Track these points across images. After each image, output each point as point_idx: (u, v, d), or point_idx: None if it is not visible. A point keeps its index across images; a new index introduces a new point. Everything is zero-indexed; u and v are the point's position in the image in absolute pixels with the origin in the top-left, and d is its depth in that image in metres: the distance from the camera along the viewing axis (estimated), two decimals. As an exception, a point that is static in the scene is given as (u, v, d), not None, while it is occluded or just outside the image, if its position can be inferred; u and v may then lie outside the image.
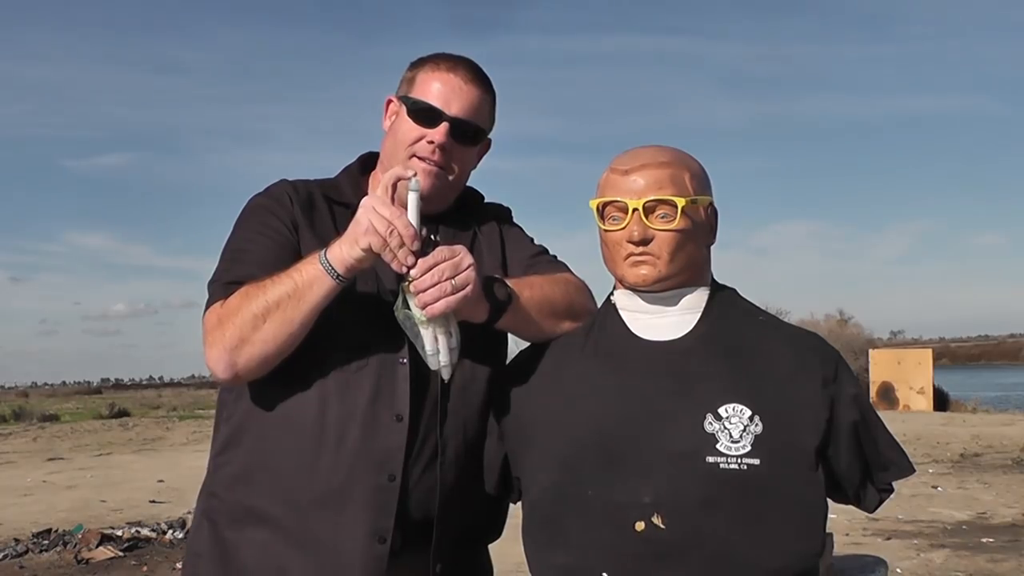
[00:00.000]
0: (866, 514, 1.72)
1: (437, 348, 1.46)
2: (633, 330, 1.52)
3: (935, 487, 9.38)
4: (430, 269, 1.41)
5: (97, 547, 7.11)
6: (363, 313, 1.57)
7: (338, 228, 1.57)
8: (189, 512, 7.21)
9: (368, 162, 1.77)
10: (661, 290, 1.50)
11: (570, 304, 1.64)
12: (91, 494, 10.44)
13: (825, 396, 1.45)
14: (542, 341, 1.62)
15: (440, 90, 1.64)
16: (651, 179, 1.47)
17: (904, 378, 21.94)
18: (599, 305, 1.63)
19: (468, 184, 1.76)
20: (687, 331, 1.50)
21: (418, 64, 1.69)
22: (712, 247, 1.56)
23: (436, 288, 1.41)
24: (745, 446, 1.38)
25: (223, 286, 1.57)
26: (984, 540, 6.90)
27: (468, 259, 1.45)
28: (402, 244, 1.41)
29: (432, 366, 1.47)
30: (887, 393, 21.66)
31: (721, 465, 1.38)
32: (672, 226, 1.46)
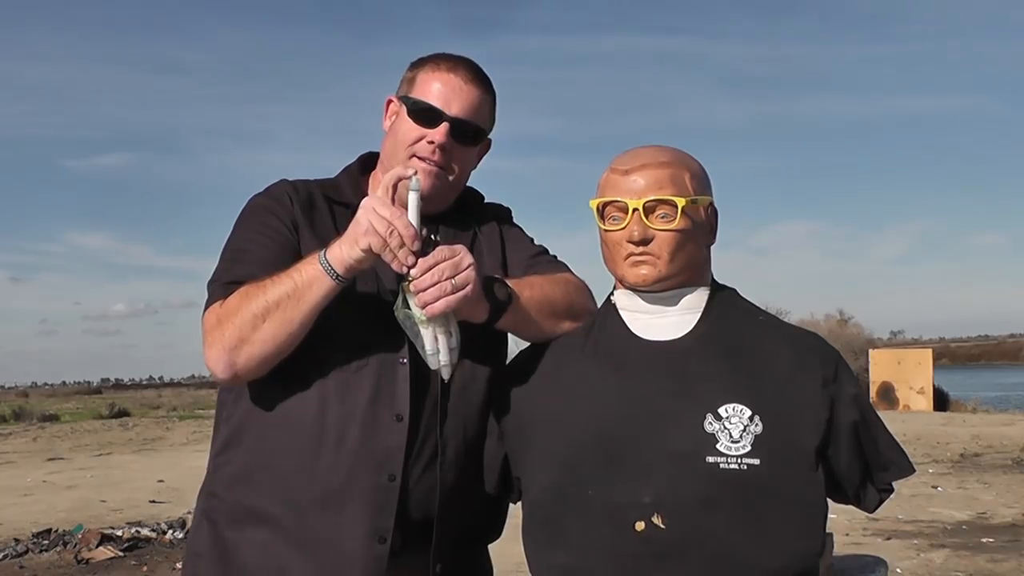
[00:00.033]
0: (866, 514, 1.72)
1: (437, 348, 1.46)
2: (633, 330, 1.52)
3: (935, 487, 9.38)
4: (430, 269, 1.41)
5: (97, 547, 7.10)
6: (363, 313, 1.57)
7: (338, 228, 1.57)
8: (189, 512, 7.20)
9: (368, 162, 1.77)
10: (661, 290, 1.50)
11: (570, 304, 1.64)
12: (91, 494, 10.44)
13: (825, 396, 1.45)
14: (542, 341, 1.62)
15: (440, 90, 1.64)
16: (651, 179, 1.47)
17: (904, 378, 21.92)
18: (599, 305, 1.63)
19: (468, 184, 1.76)
20: (687, 331, 1.50)
21: (418, 64, 1.69)
22: (712, 247, 1.56)
23: (436, 288, 1.41)
24: (745, 446, 1.38)
25: (223, 286, 1.57)
26: (984, 540, 6.90)
27: (468, 259, 1.45)
28: (402, 244, 1.41)
29: (432, 366, 1.47)
30: (887, 393, 21.65)
31: (721, 465, 1.38)
32: (672, 226, 1.46)
